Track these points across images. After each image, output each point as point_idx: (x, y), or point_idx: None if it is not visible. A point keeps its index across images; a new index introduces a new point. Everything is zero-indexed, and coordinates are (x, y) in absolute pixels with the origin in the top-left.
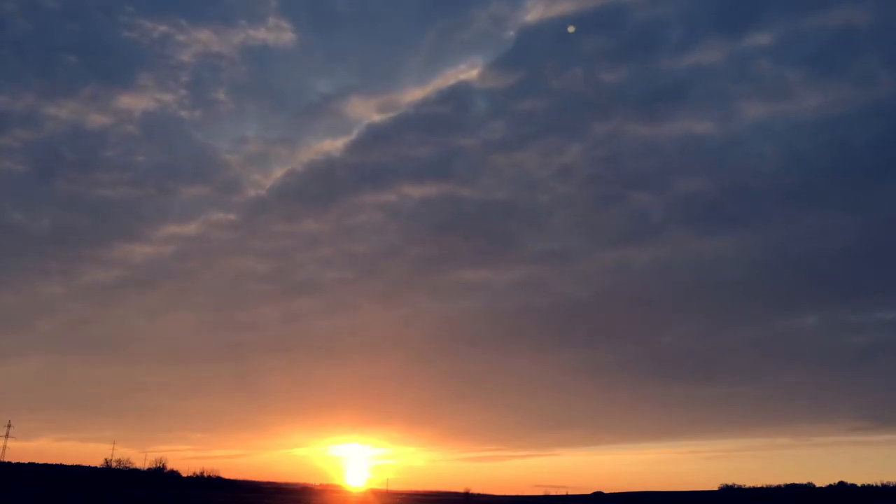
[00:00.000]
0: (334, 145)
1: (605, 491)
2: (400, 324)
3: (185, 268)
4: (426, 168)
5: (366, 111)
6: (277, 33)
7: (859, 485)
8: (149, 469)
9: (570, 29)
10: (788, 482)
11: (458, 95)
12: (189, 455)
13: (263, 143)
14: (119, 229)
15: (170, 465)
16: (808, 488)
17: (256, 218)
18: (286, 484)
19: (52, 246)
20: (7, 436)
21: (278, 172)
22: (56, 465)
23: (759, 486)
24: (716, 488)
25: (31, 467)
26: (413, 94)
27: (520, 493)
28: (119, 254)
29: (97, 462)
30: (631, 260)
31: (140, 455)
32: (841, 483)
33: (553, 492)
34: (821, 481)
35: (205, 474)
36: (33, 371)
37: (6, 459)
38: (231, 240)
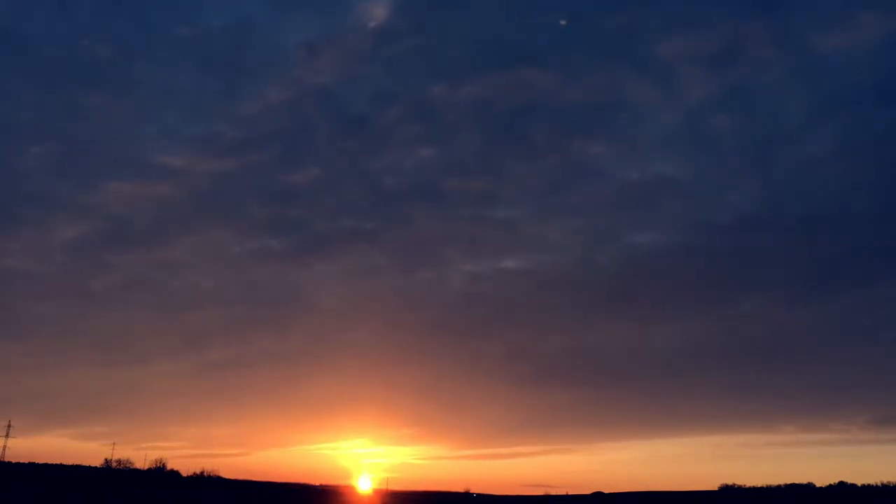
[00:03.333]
0: None
1: (605, 491)
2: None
3: None
4: None
5: None
6: None
7: (859, 484)
8: (149, 469)
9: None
10: (788, 482)
11: None
12: (188, 453)
13: None
14: None
15: (170, 465)
16: (808, 488)
17: None
18: (286, 483)
19: None
20: (7, 435)
21: None
22: (56, 465)
23: (759, 485)
24: (716, 488)
25: (31, 467)
26: None
27: (520, 493)
28: None
29: (97, 462)
30: None
31: (140, 455)
32: (841, 483)
33: (553, 491)
34: (821, 481)
35: (205, 474)
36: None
37: (6, 459)
38: None
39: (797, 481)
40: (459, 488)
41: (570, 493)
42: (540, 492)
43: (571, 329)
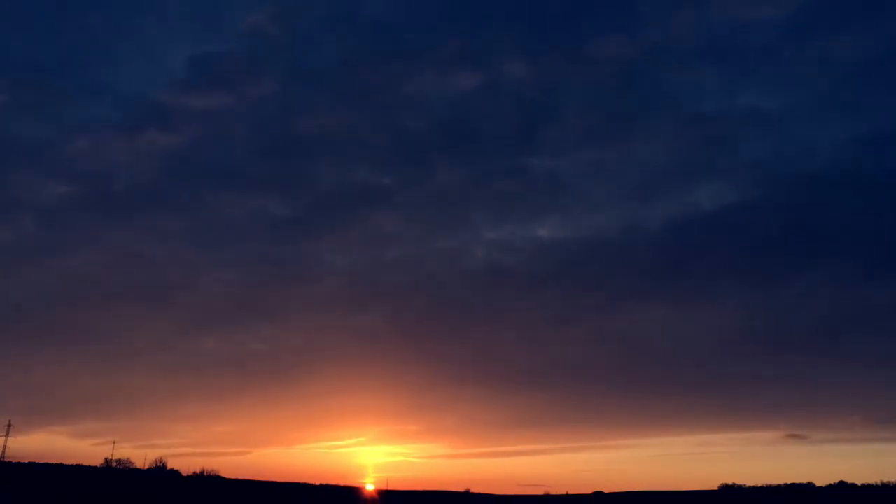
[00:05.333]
0: None
1: (605, 491)
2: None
3: None
4: None
5: None
6: None
7: (859, 484)
8: (149, 469)
9: None
10: (788, 482)
11: None
12: (187, 451)
13: None
14: None
15: (170, 465)
16: (809, 488)
17: None
18: (286, 483)
19: None
20: (7, 435)
21: None
22: (56, 465)
23: (759, 485)
24: (715, 488)
25: (31, 467)
26: None
27: (520, 493)
28: None
29: (97, 462)
30: None
31: (140, 455)
32: (841, 483)
33: (553, 491)
34: (821, 481)
35: (205, 473)
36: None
37: (6, 459)
38: None
39: (797, 481)
40: (460, 488)
41: (570, 492)
42: (540, 491)
43: (597, 312)
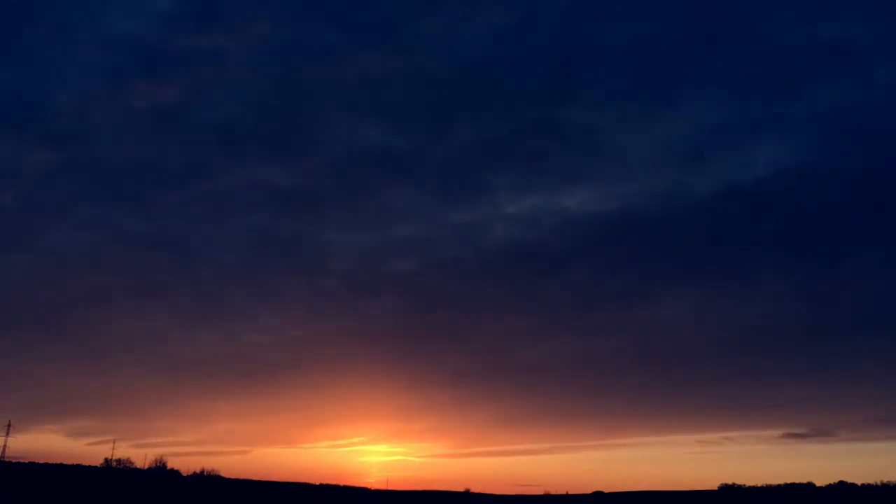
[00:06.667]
0: None
1: (605, 491)
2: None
3: None
4: None
5: None
6: None
7: (859, 484)
8: (149, 468)
9: None
10: (788, 482)
11: None
12: (187, 450)
13: None
14: None
15: (170, 465)
16: (809, 488)
17: None
18: (286, 483)
19: None
20: (7, 435)
21: None
22: (56, 465)
23: (759, 485)
24: (715, 487)
25: (31, 467)
26: None
27: (520, 493)
28: None
29: (97, 462)
30: None
31: (140, 454)
32: (841, 483)
33: (553, 491)
34: (821, 481)
35: (205, 473)
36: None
37: (6, 459)
38: None
39: (797, 481)
40: (459, 487)
41: (570, 492)
42: (540, 491)
43: (619, 300)
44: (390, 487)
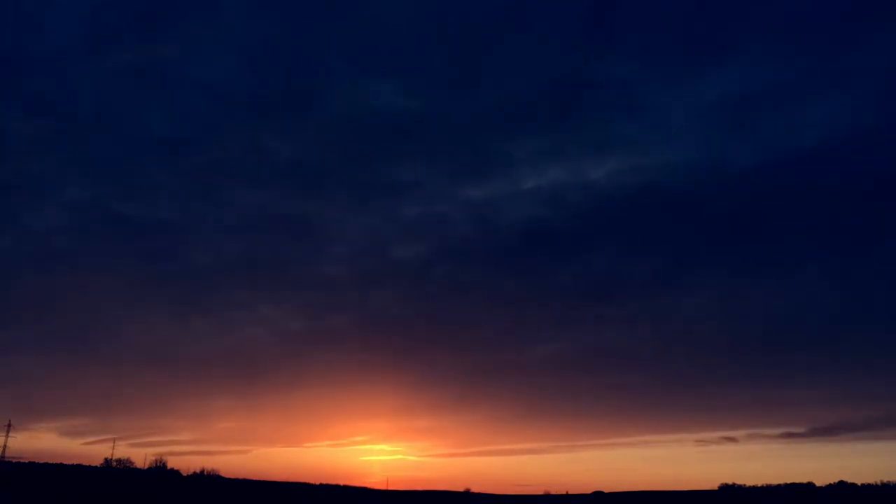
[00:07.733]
0: None
1: (605, 491)
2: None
3: None
4: None
5: None
6: None
7: (859, 484)
8: (149, 468)
9: None
10: (788, 482)
11: None
12: (187, 449)
13: None
14: None
15: (170, 465)
16: (809, 488)
17: None
18: (286, 483)
19: None
20: (7, 435)
21: None
22: (56, 465)
23: (759, 485)
24: (715, 487)
25: (31, 467)
26: None
27: (520, 493)
28: None
29: (97, 461)
30: None
31: (139, 454)
32: (841, 483)
33: (553, 491)
34: (821, 481)
35: (205, 473)
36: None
37: (6, 459)
38: None
39: (797, 481)
40: (459, 487)
41: (570, 492)
42: (540, 491)
43: (639, 289)
44: (390, 487)
